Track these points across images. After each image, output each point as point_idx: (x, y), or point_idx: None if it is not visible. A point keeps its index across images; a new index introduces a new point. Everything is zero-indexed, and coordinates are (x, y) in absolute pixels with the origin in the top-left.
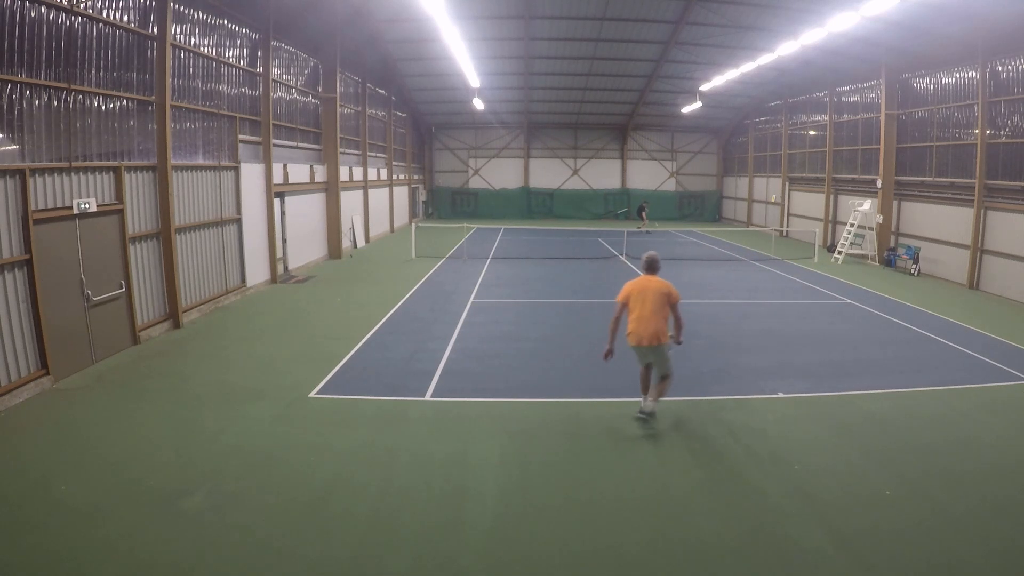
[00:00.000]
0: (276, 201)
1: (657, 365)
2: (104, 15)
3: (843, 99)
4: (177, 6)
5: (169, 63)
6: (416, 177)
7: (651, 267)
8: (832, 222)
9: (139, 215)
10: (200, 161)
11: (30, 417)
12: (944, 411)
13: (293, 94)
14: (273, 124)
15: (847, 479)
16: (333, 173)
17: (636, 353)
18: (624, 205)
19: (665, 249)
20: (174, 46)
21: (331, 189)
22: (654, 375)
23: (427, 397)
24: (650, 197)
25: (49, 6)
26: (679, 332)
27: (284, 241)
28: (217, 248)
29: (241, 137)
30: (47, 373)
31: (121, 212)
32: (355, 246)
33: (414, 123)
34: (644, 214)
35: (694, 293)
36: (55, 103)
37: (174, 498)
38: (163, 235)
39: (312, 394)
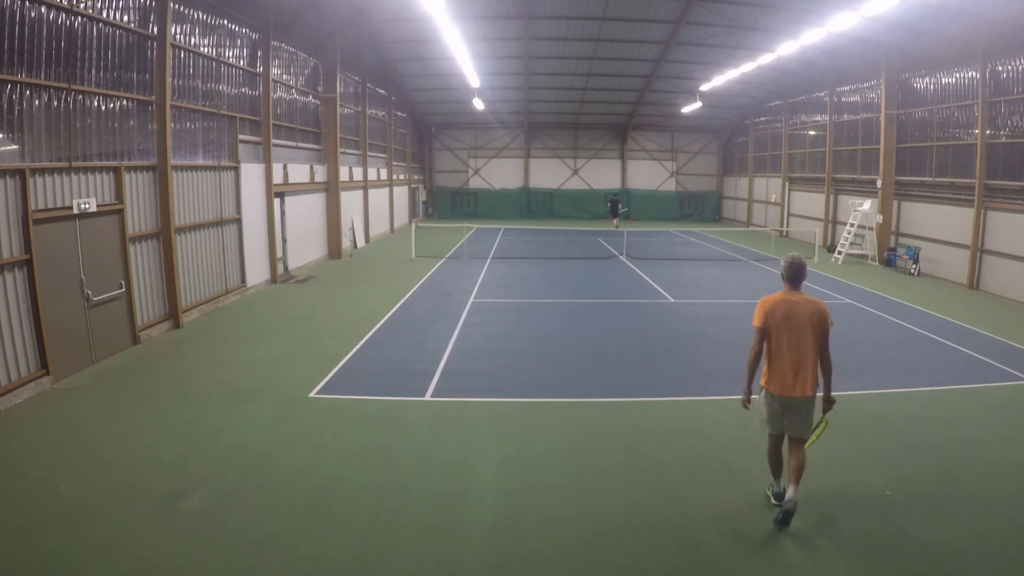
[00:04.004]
0: (276, 201)
1: (800, 425)
2: (104, 15)
3: (843, 99)
4: (177, 6)
5: (169, 63)
6: (416, 177)
7: (797, 277)
8: (832, 222)
9: (139, 215)
10: (200, 161)
11: (30, 417)
12: (944, 411)
13: (293, 94)
14: (273, 124)
15: (847, 479)
16: (333, 173)
17: (775, 409)
18: (625, 205)
19: (666, 249)
20: (174, 46)
21: (331, 189)
22: (789, 443)
23: (427, 397)
24: (650, 197)
25: (49, 6)
26: (829, 380)
27: (284, 241)
28: (217, 248)
29: (241, 137)
30: (47, 373)
31: (121, 212)
32: (355, 246)
33: (414, 123)
34: (617, 211)
35: (694, 293)
36: (55, 103)
37: (174, 498)
38: (163, 235)
39: (312, 394)
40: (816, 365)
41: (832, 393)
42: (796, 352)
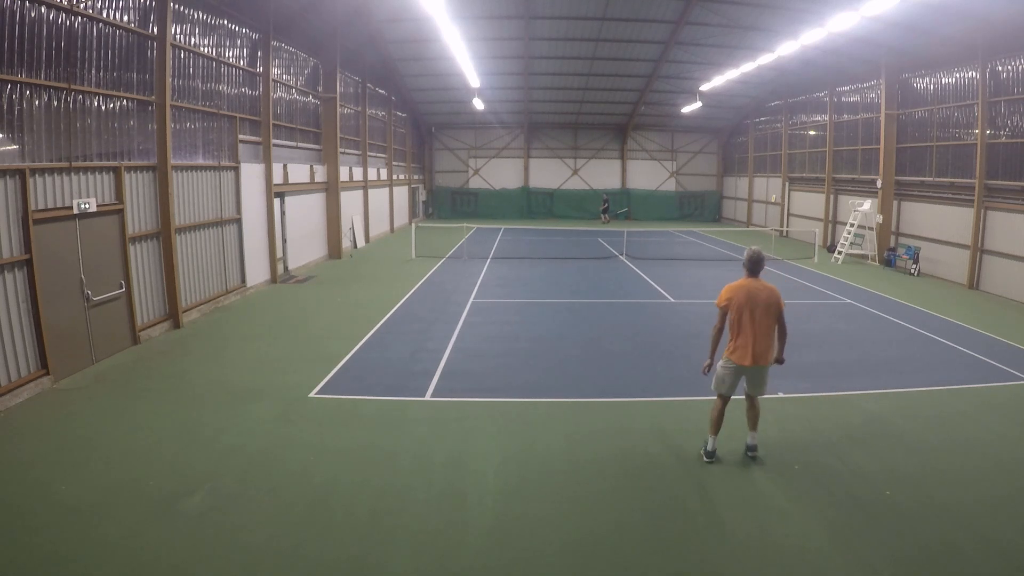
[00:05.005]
0: (276, 201)
1: (756, 385)
2: (104, 15)
3: (843, 99)
4: (177, 6)
5: (169, 63)
6: (416, 177)
7: (755, 267)
8: (832, 222)
9: (139, 215)
10: (200, 161)
11: (30, 417)
12: (944, 411)
13: (293, 94)
14: (273, 124)
15: (847, 479)
16: (333, 173)
17: (731, 376)
18: (624, 205)
19: (666, 249)
20: (174, 46)
21: (331, 189)
22: (748, 398)
23: (427, 397)
24: (650, 197)
25: (49, 6)
26: (783, 349)
27: (284, 241)
28: (217, 248)
29: (241, 137)
30: (47, 373)
31: (121, 212)
32: (355, 246)
33: (414, 123)
34: (608, 208)
35: (694, 293)
36: (55, 103)
37: (174, 498)
38: (163, 235)
39: (312, 394)
40: (772, 339)
41: (783, 355)
42: (755, 328)
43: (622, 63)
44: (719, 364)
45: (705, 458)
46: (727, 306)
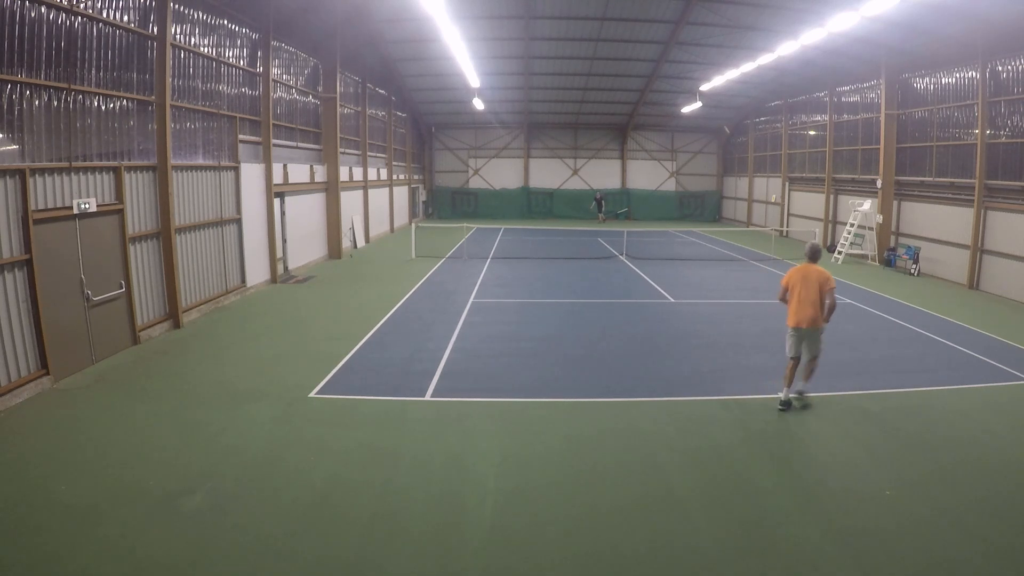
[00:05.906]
0: (276, 201)
1: (810, 347)
2: (104, 15)
3: (843, 99)
4: (177, 6)
5: (169, 63)
6: (416, 177)
7: (813, 256)
8: (832, 222)
9: (139, 215)
10: (200, 161)
11: (30, 417)
12: (944, 411)
13: (293, 94)
14: (273, 124)
15: (847, 478)
16: (333, 173)
17: (794, 339)
18: (624, 205)
19: (665, 249)
20: (174, 46)
21: (331, 189)
22: (804, 357)
23: (427, 397)
24: (650, 197)
25: (49, 6)
26: (828, 316)
27: (284, 241)
28: (217, 248)
29: (241, 137)
30: (47, 373)
31: (121, 212)
32: (355, 246)
33: (414, 123)
34: (602, 207)
35: (694, 293)
36: (55, 103)
37: (174, 498)
38: (163, 235)
39: (312, 394)
40: (820, 309)
41: (824, 323)
42: (806, 299)
43: (622, 63)
44: (787, 334)
45: (780, 406)
46: (788, 283)
